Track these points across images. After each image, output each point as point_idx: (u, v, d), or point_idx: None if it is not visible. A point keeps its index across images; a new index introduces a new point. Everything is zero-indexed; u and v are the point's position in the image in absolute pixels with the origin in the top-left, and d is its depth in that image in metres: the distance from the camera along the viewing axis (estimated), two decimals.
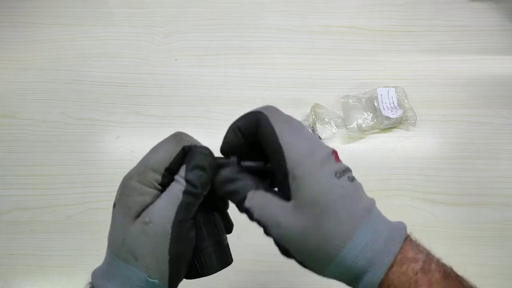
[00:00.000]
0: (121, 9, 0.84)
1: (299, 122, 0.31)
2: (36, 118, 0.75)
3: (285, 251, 0.31)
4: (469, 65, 0.78)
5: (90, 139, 0.73)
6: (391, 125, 0.73)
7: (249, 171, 0.32)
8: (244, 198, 0.31)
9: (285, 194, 0.29)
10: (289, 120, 0.31)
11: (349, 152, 0.72)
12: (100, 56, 0.80)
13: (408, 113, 0.72)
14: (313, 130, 0.72)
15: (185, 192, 0.31)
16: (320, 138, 0.71)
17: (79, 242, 0.67)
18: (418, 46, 0.80)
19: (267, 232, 0.30)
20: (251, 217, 0.31)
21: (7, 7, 0.84)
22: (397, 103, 0.73)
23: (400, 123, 0.73)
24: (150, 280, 0.30)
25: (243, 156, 0.32)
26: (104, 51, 0.80)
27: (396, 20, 0.83)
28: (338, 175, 0.28)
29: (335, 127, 0.73)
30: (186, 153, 0.32)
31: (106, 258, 0.33)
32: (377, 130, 0.73)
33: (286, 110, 0.32)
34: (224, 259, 0.35)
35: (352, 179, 0.29)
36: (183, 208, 0.30)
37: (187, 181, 0.31)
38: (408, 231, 0.30)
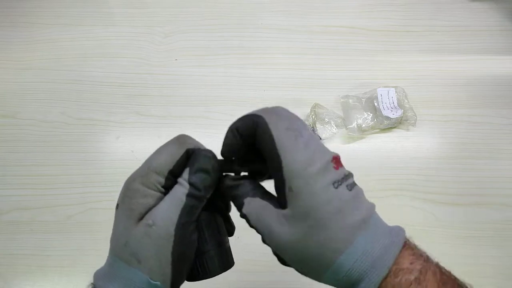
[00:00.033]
0: (121, 9, 0.84)
1: (301, 124, 0.30)
2: (36, 118, 0.75)
3: (282, 260, 0.31)
4: (469, 65, 0.79)
5: (90, 139, 0.73)
6: (391, 125, 0.73)
7: (250, 172, 0.32)
8: (242, 204, 0.31)
9: (282, 200, 0.29)
10: (289, 125, 0.29)
11: (349, 152, 0.72)
12: (100, 56, 0.79)
13: (408, 113, 0.72)
14: (313, 130, 0.72)
15: (189, 195, 0.31)
16: (320, 138, 0.71)
17: (79, 242, 0.67)
18: (418, 46, 0.80)
19: (263, 240, 0.31)
20: (249, 223, 0.31)
21: (7, 7, 0.83)
22: (397, 103, 0.73)
23: (400, 123, 0.73)
24: (153, 282, 0.30)
25: (243, 156, 0.32)
26: (104, 51, 0.80)
27: (396, 20, 0.83)
28: (336, 185, 0.28)
29: (335, 127, 0.73)
30: (190, 156, 0.32)
31: (108, 260, 0.32)
32: (377, 130, 0.73)
33: None
34: (225, 262, 0.35)
35: (352, 186, 0.29)
36: (186, 211, 0.30)
37: (190, 184, 0.31)
38: (408, 235, 0.29)
